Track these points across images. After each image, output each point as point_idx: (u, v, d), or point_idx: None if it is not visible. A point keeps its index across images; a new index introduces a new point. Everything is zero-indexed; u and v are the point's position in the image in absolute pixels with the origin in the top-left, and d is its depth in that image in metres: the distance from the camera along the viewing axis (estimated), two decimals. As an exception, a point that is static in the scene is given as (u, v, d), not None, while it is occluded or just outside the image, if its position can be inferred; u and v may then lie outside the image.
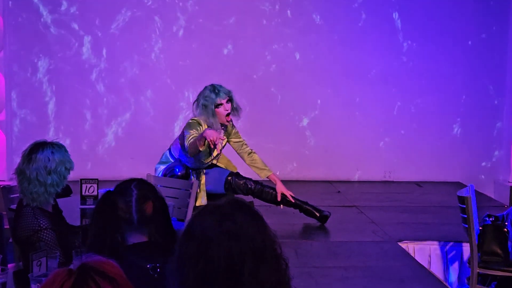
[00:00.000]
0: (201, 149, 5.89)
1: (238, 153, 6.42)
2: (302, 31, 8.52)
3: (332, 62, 8.59)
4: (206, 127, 6.02)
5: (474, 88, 8.74)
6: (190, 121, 6.12)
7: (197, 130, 5.97)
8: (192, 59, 8.41)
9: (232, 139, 6.37)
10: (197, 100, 6.16)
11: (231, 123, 6.29)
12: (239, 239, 1.95)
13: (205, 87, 6.18)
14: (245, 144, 6.42)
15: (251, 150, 6.42)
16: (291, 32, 8.50)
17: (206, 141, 5.77)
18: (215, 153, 6.20)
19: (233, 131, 6.36)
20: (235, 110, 6.20)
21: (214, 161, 6.35)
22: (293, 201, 6.43)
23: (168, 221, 2.97)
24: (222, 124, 6.17)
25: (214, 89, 6.10)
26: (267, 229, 2.03)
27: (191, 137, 5.93)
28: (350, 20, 8.55)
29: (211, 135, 5.68)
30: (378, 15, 8.57)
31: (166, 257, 2.84)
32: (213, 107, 6.04)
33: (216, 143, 5.70)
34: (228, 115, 6.13)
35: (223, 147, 6.29)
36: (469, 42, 8.67)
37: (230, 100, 6.14)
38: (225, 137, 6.25)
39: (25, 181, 3.85)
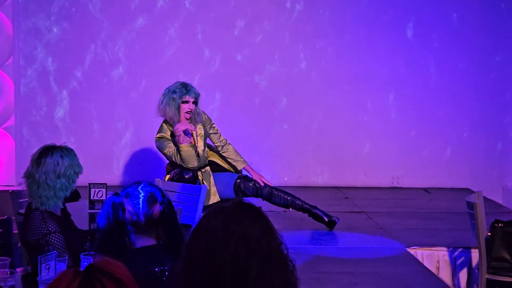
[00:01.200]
0: (183, 150, 6.03)
1: (215, 145, 6.47)
2: (308, 36, 8.51)
3: (339, 67, 8.58)
4: (167, 129, 6.16)
5: (483, 94, 8.72)
6: (158, 135, 6.21)
7: (169, 145, 6.12)
8: (202, 66, 8.42)
9: (210, 131, 6.40)
10: (165, 92, 6.22)
11: (205, 114, 6.37)
12: (245, 241, 1.95)
13: (177, 82, 6.29)
14: (221, 135, 6.48)
15: (226, 141, 6.48)
16: (298, 36, 8.50)
17: (182, 137, 6.02)
18: (199, 144, 6.23)
19: (209, 120, 6.42)
20: (196, 114, 6.23)
21: (204, 154, 6.31)
22: (271, 184, 6.45)
23: (176, 224, 2.98)
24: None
25: (186, 86, 6.21)
26: (273, 230, 2.03)
27: (171, 155, 6.11)
28: (358, 27, 8.55)
29: (179, 128, 5.98)
30: (390, 22, 8.57)
31: (174, 260, 2.85)
32: (180, 101, 6.11)
33: (188, 132, 6.01)
34: (188, 113, 6.17)
35: (204, 139, 6.31)
36: (478, 49, 8.66)
37: (195, 102, 6.19)
38: (201, 125, 6.29)
39: (34, 184, 3.86)
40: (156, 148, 6.29)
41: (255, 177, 6.45)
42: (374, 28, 8.56)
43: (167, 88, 6.25)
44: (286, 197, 6.50)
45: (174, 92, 6.16)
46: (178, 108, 6.13)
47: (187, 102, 6.15)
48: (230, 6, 8.41)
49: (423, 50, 8.62)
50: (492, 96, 8.73)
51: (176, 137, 6.07)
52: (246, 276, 1.92)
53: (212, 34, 8.41)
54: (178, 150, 6.06)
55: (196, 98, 6.21)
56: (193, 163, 6.10)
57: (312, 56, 8.54)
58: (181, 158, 6.07)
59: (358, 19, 8.55)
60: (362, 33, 8.56)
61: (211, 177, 6.23)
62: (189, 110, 6.16)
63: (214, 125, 6.45)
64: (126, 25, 8.30)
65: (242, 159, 6.48)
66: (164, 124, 6.22)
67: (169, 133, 6.17)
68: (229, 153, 6.45)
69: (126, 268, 1.80)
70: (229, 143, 6.47)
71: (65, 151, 3.94)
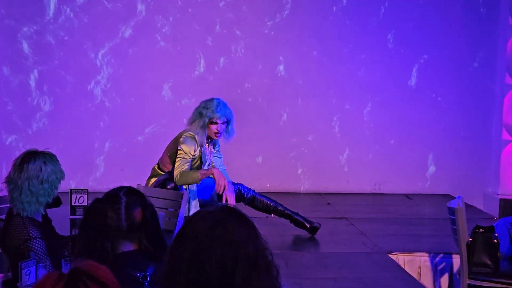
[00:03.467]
0: (194, 182, 6.02)
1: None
2: (297, 43, 8.53)
3: (321, 74, 8.60)
4: (198, 146, 6.08)
5: (465, 101, 8.77)
6: (188, 135, 6.13)
7: (189, 155, 6.05)
8: (188, 74, 8.41)
9: (215, 155, 6.40)
10: (199, 106, 6.19)
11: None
12: (231, 245, 1.94)
13: (212, 98, 6.20)
14: (220, 162, 6.48)
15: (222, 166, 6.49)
16: (285, 44, 8.51)
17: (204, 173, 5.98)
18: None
19: (217, 147, 6.42)
20: (228, 133, 6.21)
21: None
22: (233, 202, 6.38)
23: (158, 229, 2.96)
24: (209, 138, 6.18)
25: (218, 104, 6.12)
26: (259, 235, 2.03)
27: (180, 169, 6.02)
28: (340, 33, 8.58)
29: (219, 179, 5.95)
30: (372, 30, 8.61)
31: (156, 265, 2.84)
32: (207, 120, 6.06)
33: (220, 191, 5.99)
34: (217, 134, 6.14)
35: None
36: (459, 55, 8.71)
37: (227, 122, 6.16)
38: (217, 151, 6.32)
39: (16, 190, 3.83)
40: (177, 142, 6.16)
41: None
42: (356, 36, 8.59)
43: (203, 102, 6.18)
44: (268, 202, 6.51)
45: (205, 108, 6.10)
46: (204, 126, 6.08)
47: (215, 123, 6.10)
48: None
49: (403, 57, 8.65)
50: (473, 102, 8.77)
51: (217, 179, 5.99)
52: (232, 281, 1.92)
53: (197, 40, 8.41)
54: (191, 179, 6.02)
55: (227, 119, 6.14)
56: (190, 182, 6.09)
57: (294, 63, 8.55)
58: (184, 179, 6.00)
59: (339, 26, 8.57)
60: (343, 40, 8.58)
61: (196, 196, 6.21)
62: (218, 131, 6.12)
63: (218, 150, 6.43)
64: (113, 33, 8.27)
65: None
66: (195, 138, 6.13)
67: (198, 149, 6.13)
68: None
69: (110, 272, 1.79)
70: (224, 167, 6.49)
71: (48, 157, 3.92)
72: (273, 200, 6.55)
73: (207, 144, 6.23)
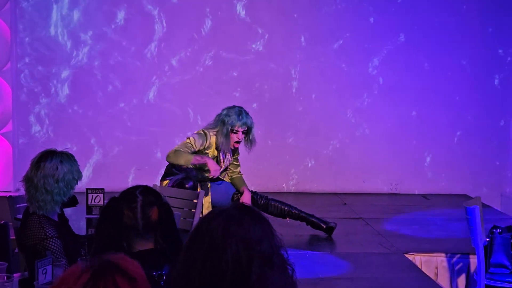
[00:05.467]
0: (183, 165, 5.98)
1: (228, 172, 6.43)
2: (311, 42, 8.52)
3: (337, 73, 8.58)
4: (211, 143, 6.04)
5: (483, 100, 8.71)
6: (201, 131, 6.16)
7: (193, 145, 6.04)
8: (200, 76, 8.42)
9: (233, 162, 6.38)
10: (221, 113, 6.19)
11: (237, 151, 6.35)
12: (246, 242, 1.93)
13: (234, 106, 6.22)
14: (239, 167, 6.44)
15: (240, 172, 6.44)
16: (301, 42, 8.50)
17: (197, 165, 5.97)
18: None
19: (236, 155, 6.40)
20: (249, 142, 6.21)
21: (220, 176, 6.34)
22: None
23: (174, 228, 2.96)
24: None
25: (240, 113, 6.13)
26: (274, 234, 2.02)
27: (178, 148, 6.02)
28: (358, 35, 8.56)
29: (212, 166, 5.91)
30: (386, 31, 8.58)
31: (172, 264, 2.83)
32: (230, 128, 6.06)
33: (212, 175, 5.97)
34: (237, 142, 6.14)
35: (226, 168, 6.31)
36: (476, 54, 8.66)
37: (248, 131, 6.15)
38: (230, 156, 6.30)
39: (32, 188, 3.85)
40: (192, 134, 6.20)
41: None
42: (372, 33, 8.57)
43: (225, 109, 6.19)
44: (282, 207, 6.50)
45: (227, 116, 6.10)
46: (227, 135, 6.08)
47: (237, 131, 6.10)
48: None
49: (419, 54, 8.62)
50: (491, 102, 8.72)
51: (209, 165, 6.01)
52: (247, 279, 1.90)
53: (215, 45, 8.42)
54: (182, 161, 5.99)
55: (248, 127, 6.15)
56: (198, 173, 6.07)
57: (310, 62, 8.53)
58: (175, 158, 5.98)
59: (356, 20, 8.56)
60: (361, 37, 8.56)
61: (209, 191, 6.20)
62: (238, 140, 6.12)
63: (237, 158, 6.40)
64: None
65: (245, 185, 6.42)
66: (212, 140, 6.14)
67: (212, 141, 6.13)
68: (236, 179, 6.42)
69: (140, 267, 1.73)
70: (241, 174, 6.45)
71: (65, 157, 3.93)
72: (287, 204, 6.54)
73: (226, 152, 6.22)
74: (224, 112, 6.16)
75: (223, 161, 6.23)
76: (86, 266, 1.67)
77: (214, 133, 6.13)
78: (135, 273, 1.69)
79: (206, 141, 6.11)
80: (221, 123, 6.09)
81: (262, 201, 6.42)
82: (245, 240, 1.94)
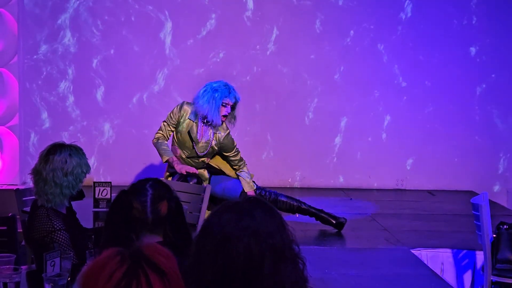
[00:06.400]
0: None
1: (231, 164, 6.36)
2: (318, 37, 8.51)
3: (344, 68, 8.57)
4: (185, 110, 6.12)
5: (488, 96, 8.70)
6: (174, 110, 6.24)
7: (171, 117, 6.18)
8: (203, 71, 8.42)
9: (231, 158, 6.31)
10: (207, 86, 6.12)
11: (229, 137, 6.24)
12: (258, 235, 1.93)
13: (220, 81, 6.19)
14: (240, 160, 6.32)
15: (244, 163, 6.35)
16: (306, 39, 8.49)
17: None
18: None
19: (231, 143, 6.25)
20: (233, 117, 6.19)
21: (205, 160, 6.27)
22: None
23: (183, 222, 2.96)
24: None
25: (229, 88, 6.11)
26: (286, 227, 2.02)
27: (160, 135, 6.24)
28: (364, 32, 8.55)
29: (181, 170, 6.05)
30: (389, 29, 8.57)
31: (181, 258, 2.84)
32: (220, 102, 6.05)
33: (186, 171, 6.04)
34: (224, 116, 6.12)
35: (208, 149, 6.22)
36: (483, 50, 8.64)
37: (233, 107, 6.14)
38: (221, 133, 6.19)
39: (41, 181, 3.85)
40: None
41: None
42: (377, 35, 8.56)
43: (208, 84, 6.14)
44: (291, 202, 6.48)
45: (215, 90, 6.06)
46: (218, 109, 6.05)
47: (226, 104, 6.08)
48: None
49: (426, 50, 8.60)
50: (498, 98, 8.70)
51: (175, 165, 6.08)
52: (259, 272, 1.90)
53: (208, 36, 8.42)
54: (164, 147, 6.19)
55: (235, 103, 6.14)
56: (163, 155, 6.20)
57: (319, 57, 8.53)
58: (156, 147, 6.23)
59: (363, 19, 8.55)
60: (367, 37, 8.55)
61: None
62: (226, 113, 6.11)
63: (235, 148, 6.28)
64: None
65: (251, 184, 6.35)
66: (186, 107, 6.16)
67: (182, 116, 6.14)
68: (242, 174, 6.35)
69: (173, 258, 1.69)
70: (245, 165, 6.35)
71: (74, 150, 3.93)
72: (296, 199, 6.53)
73: (202, 124, 6.14)
74: (213, 85, 6.10)
75: (202, 134, 6.13)
76: (119, 260, 1.61)
77: (191, 104, 6.13)
78: (166, 266, 1.64)
79: (181, 110, 6.13)
80: (212, 98, 6.02)
81: (271, 197, 6.40)
82: (257, 233, 1.93)
